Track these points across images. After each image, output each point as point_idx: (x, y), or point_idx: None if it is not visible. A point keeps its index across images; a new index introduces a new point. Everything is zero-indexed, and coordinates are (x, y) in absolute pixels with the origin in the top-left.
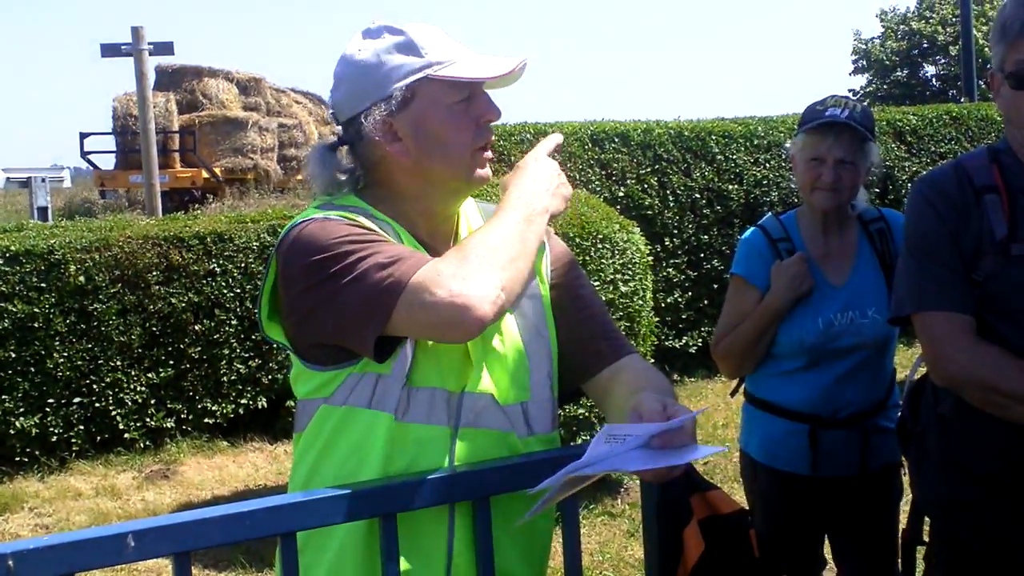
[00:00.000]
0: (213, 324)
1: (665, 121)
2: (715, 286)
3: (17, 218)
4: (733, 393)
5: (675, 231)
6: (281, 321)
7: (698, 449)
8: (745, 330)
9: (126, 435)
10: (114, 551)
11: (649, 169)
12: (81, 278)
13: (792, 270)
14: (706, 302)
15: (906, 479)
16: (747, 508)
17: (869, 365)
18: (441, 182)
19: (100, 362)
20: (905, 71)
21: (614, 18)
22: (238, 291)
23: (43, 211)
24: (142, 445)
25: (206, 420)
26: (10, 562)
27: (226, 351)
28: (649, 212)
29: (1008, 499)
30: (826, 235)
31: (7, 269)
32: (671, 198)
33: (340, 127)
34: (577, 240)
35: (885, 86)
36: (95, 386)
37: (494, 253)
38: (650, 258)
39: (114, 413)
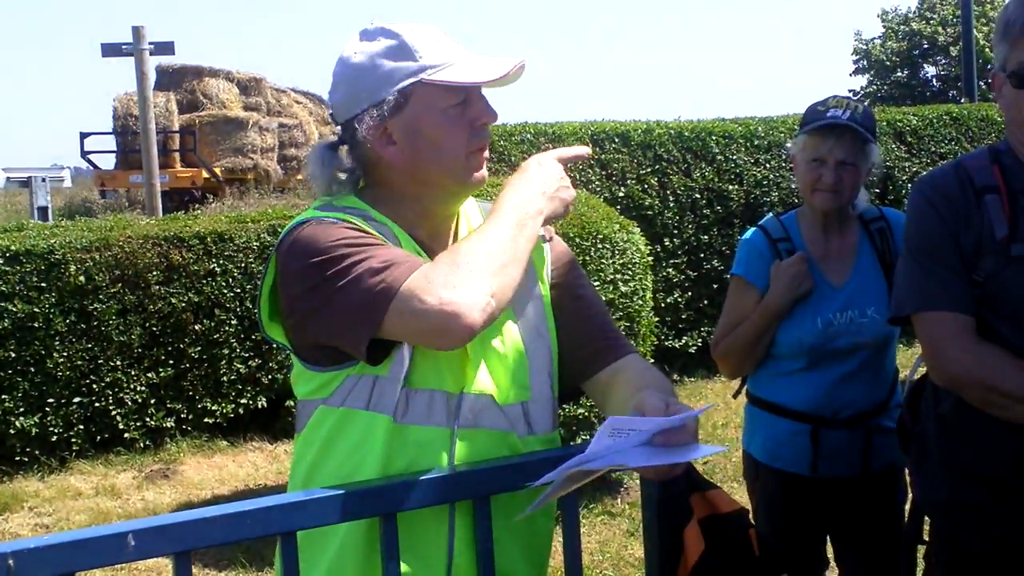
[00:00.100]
0: (213, 324)
1: (665, 121)
2: (715, 286)
3: (17, 218)
4: (736, 394)
5: (675, 231)
6: (281, 321)
7: (699, 448)
8: (745, 330)
9: (126, 435)
10: (114, 550)
11: (649, 169)
12: (81, 278)
13: (792, 270)
14: (706, 302)
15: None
16: (747, 507)
17: (870, 365)
18: (437, 184)
19: (100, 362)
20: (905, 71)
21: (614, 18)
22: (238, 291)
23: (43, 211)
24: (142, 445)
25: (206, 420)
26: (10, 561)
27: (226, 351)
28: (649, 212)
29: (1008, 499)
30: (826, 235)
31: (7, 269)
32: (671, 198)
33: (340, 127)
34: (577, 240)
35: (885, 86)
36: (95, 386)
37: (485, 259)
38: (650, 258)
39: (114, 413)
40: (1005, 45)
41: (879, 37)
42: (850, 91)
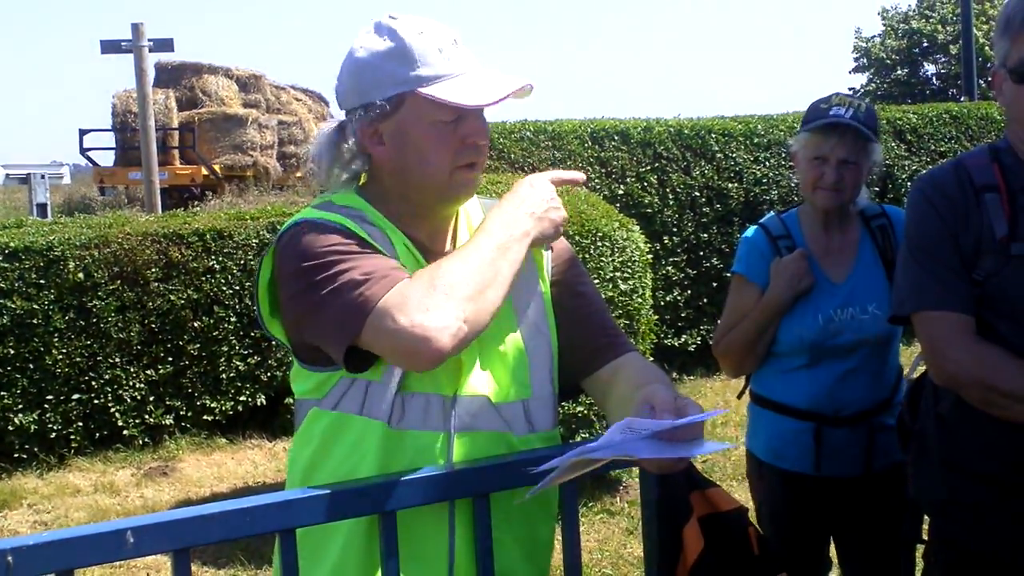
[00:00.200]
0: (212, 321)
1: (665, 119)
2: (714, 284)
3: (16, 215)
4: (740, 394)
5: (675, 229)
6: (280, 319)
7: (705, 444)
8: (745, 327)
9: (125, 432)
10: (113, 548)
11: (649, 167)
12: (80, 275)
13: (792, 267)
14: (705, 300)
15: None
16: (746, 506)
17: (872, 362)
18: (421, 192)
19: (99, 359)
20: (905, 70)
21: (614, 17)
22: (237, 288)
23: (42, 207)
24: (141, 442)
25: (205, 417)
26: (9, 558)
27: (225, 348)
28: (649, 210)
29: (1007, 499)
30: (827, 232)
31: (6, 266)
32: (671, 196)
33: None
34: (577, 238)
35: (885, 85)
36: (94, 383)
37: (463, 282)
38: (649, 256)
39: (113, 410)
40: (1006, 41)
41: (879, 35)
42: (850, 89)
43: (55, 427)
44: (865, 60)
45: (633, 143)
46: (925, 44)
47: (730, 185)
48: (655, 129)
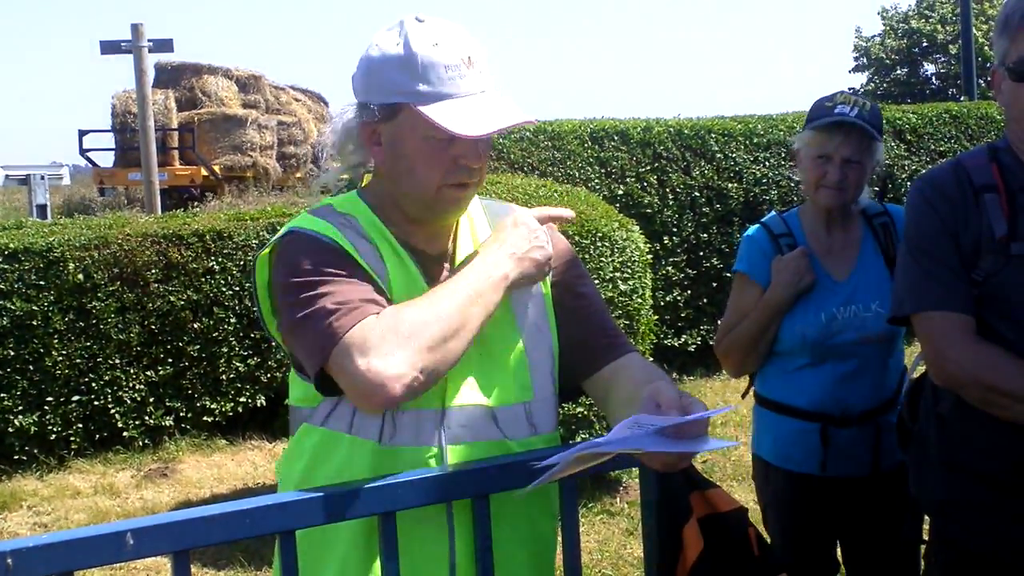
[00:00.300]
0: (212, 322)
1: (665, 119)
2: (714, 284)
3: (16, 216)
4: (744, 395)
5: (674, 229)
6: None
7: (709, 441)
8: (747, 326)
9: (125, 433)
10: (113, 549)
11: (648, 167)
12: (80, 276)
13: (793, 264)
14: (705, 300)
15: None
16: (746, 507)
17: (876, 361)
18: (409, 202)
19: (99, 360)
20: (905, 69)
21: (614, 16)
22: (237, 289)
23: (42, 209)
24: (141, 443)
25: (205, 418)
26: (9, 560)
27: (225, 349)
28: (648, 210)
29: (1007, 499)
30: (829, 231)
31: (6, 267)
32: (670, 196)
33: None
34: (576, 238)
35: (885, 84)
36: (94, 384)
37: (426, 330)
38: (649, 256)
39: (113, 411)
40: (1005, 39)
41: (879, 35)
42: (849, 89)
43: (55, 429)
44: (865, 60)
45: (633, 143)
46: (925, 44)
47: (730, 185)
48: (655, 129)
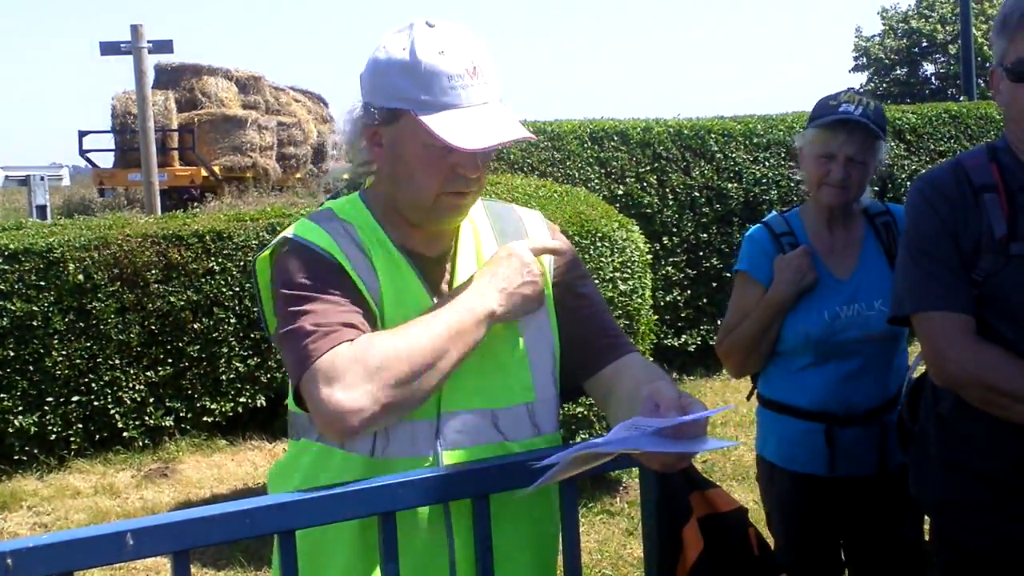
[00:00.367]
0: (212, 322)
1: (664, 119)
2: (714, 284)
3: (16, 216)
4: (749, 396)
5: (674, 229)
6: None
7: (708, 441)
8: (749, 326)
9: (125, 433)
10: (113, 550)
11: (648, 167)
12: (80, 276)
13: (795, 263)
14: (705, 300)
15: None
16: (746, 507)
17: (880, 360)
18: (407, 207)
19: (99, 360)
20: (904, 69)
21: (614, 16)
22: (237, 289)
23: (42, 209)
24: (141, 443)
25: (205, 418)
26: (9, 560)
27: (225, 349)
28: (648, 210)
29: (1007, 499)
30: (831, 230)
31: (6, 267)
32: (670, 196)
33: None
34: (576, 238)
35: (884, 84)
36: (94, 384)
37: (396, 366)
38: (649, 256)
39: (113, 411)
40: (1003, 40)
41: (879, 35)
42: (849, 89)
43: (55, 429)
44: (865, 60)
45: (632, 143)
46: (924, 44)
47: (730, 185)
48: (654, 129)
